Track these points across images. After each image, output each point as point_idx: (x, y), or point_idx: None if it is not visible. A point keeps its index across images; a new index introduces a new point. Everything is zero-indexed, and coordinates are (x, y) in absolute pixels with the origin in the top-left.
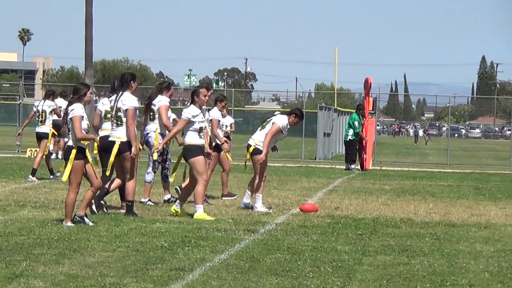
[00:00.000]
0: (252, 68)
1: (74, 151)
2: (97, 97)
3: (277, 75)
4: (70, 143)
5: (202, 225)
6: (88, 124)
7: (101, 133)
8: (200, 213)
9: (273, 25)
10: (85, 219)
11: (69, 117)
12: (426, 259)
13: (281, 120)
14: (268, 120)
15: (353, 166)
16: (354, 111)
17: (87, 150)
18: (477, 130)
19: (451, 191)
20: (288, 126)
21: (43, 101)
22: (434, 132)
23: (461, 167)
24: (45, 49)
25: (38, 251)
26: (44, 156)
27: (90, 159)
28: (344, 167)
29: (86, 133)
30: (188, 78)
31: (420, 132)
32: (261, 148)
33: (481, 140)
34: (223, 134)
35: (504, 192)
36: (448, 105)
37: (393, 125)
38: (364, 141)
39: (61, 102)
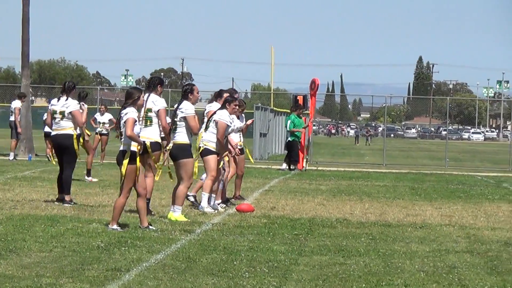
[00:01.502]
0: (188, 69)
1: (127, 155)
2: (33, 97)
3: (213, 76)
4: (122, 147)
5: (138, 225)
6: (141, 129)
7: (53, 132)
8: (178, 214)
9: (209, 25)
10: (151, 227)
11: (123, 121)
12: (362, 259)
13: (221, 116)
14: (209, 119)
15: (292, 166)
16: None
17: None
18: (413, 130)
19: (387, 191)
20: (232, 116)
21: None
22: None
23: (397, 167)
24: None
25: None
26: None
27: (139, 165)
28: (282, 167)
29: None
30: (125, 78)
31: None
32: (210, 148)
33: (417, 140)
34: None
35: (440, 192)
36: (384, 105)
37: (329, 125)
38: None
39: (18, 104)
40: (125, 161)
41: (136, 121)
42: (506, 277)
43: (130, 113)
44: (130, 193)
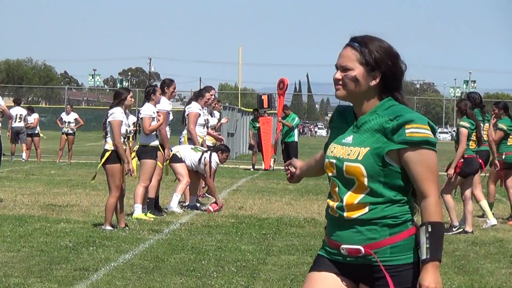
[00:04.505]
0: (156, 68)
1: (107, 154)
2: (0, 97)
3: (181, 75)
4: (107, 146)
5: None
6: (127, 130)
7: None
8: (137, 213)
9: (177, 25)
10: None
11: (108, 120)
12: None
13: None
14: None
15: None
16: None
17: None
18: None
19: None
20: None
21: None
22: None
23: None
24: None
25: None
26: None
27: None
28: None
29: (124, 137)
30: (93, 78)
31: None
32: (179, 157)
33: None
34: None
35: None
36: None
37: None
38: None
39: (20, 110)
40: (103, 160)
41: (122, 122)
42: (473, 276)
43: (116, 113)
44: (119, 192)
